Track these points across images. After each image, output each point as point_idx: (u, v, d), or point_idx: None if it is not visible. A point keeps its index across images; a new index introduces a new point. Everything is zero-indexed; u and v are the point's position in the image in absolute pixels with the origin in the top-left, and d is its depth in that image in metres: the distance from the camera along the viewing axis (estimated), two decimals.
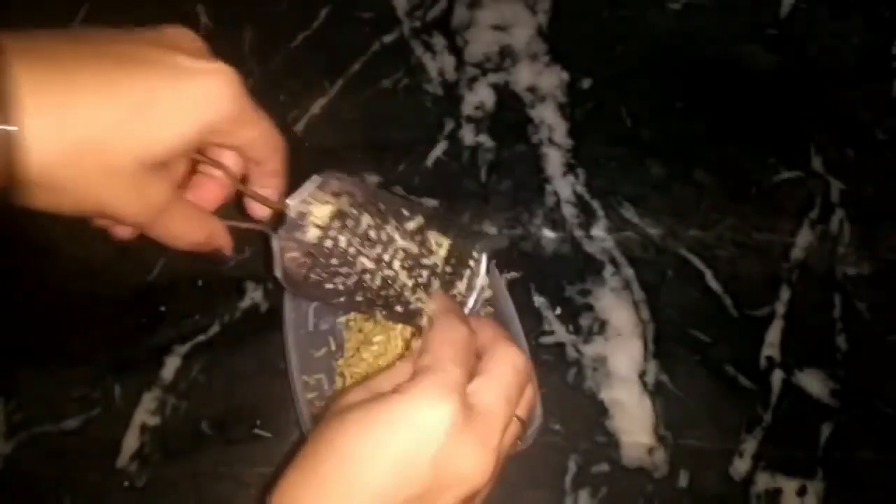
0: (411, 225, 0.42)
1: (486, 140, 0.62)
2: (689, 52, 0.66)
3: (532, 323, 0.54)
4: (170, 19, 0.68)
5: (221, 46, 0.68)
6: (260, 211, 0.36)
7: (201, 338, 0.53)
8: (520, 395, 0.32)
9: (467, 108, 0.63)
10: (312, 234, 0.38)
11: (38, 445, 0.50)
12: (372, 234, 0.40)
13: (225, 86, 0.29)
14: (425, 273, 0.43)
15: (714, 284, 0.56)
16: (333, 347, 0.52)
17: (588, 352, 0.54)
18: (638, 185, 0.60)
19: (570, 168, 0.60)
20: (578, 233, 0.58)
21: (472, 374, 0.31)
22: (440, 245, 0.43)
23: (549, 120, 0.62)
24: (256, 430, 0.51)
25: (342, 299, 0.41)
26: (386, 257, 0.41)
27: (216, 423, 0.51)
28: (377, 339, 0.51)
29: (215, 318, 0.54)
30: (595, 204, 0.59)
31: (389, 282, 0.41)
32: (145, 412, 0.51)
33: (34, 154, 0.24)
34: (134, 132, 0.26)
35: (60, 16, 0.65)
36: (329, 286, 0.40)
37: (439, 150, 0.61)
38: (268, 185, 0.34)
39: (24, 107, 0.24)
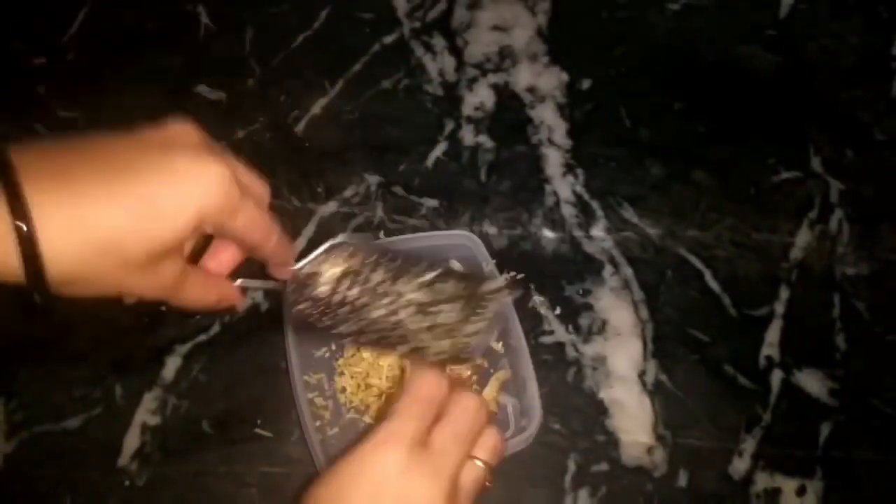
0: (424, 278, 0.43)
1: (485, 140, 0.62)
2: (688, 52, 0.66)
3: (532, 323, 0.54)
4: (170, 20, 0.68)
5: (222, 46, 0.68)
6: (277, 273, 0.39)
7: (202, 338, 0.53)
8: (472, 433, 0.35)
9: (467, 109, 0.63)
10: (322, 291, 0.40)
11: (39, 445, 0.50)
12: (381, 289, 0.42)
13: (217, 184, 0.31)
14: (430, 321, 0.43)
15: (713, 284, 0.56)
16: (334, 347, 0.52)
17: (587, 351, 0.54)
18: (637, 186, 0.60)
19: (569, 168, 0.61)
20: (578, 233, 0.58)
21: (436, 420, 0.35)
22: (451, 300, 0.44)
23: (549, 120, 0.63)
24: (257, 430, 0.51)
25: (348, 339, 0.43)
26: (394, 307, 0.42)
27: (217, 423, 0.51)
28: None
29: (216, 318, 0.54)
30: (594, 204, 0.59)
31: (395, 327, 0.43)
32: (146, 412, 0.51)
33: (54, 256, 0.28)
34: (141, 231, 0.30)
35: (61, 17, 0.65)
36: (337, 331, 0.42)
37: (439, 150, 0.61)
38: (273, 259, 0.38)
39: (40, 216, 0.27)
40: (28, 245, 0.28)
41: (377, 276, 0.42)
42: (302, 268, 0.40)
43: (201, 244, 0.37)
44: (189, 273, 0.34)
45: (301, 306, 0.40)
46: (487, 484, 0.37)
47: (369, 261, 0.42)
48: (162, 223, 0.30)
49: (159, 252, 0.31)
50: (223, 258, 0.37)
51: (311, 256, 0.40)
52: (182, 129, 0.34)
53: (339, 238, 0.41)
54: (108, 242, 0.29)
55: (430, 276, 0.43)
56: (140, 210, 0.29)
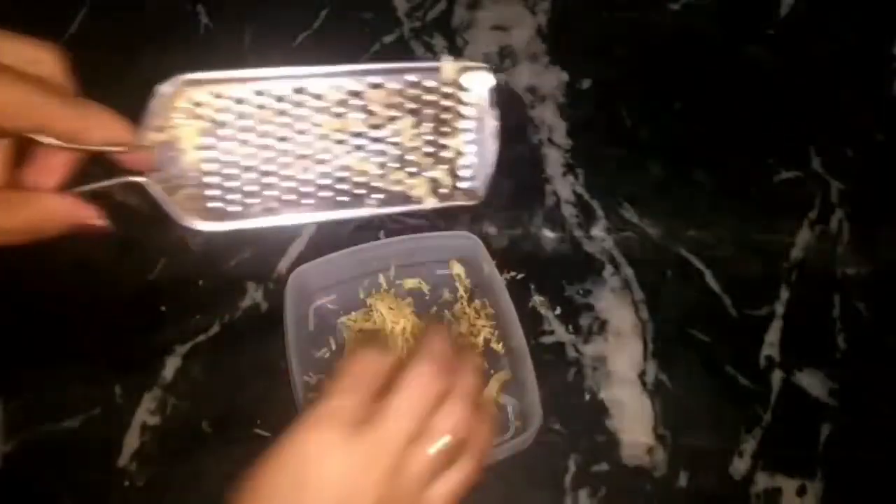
0: (333, 93, 0.34)
1: None
2: (688, 52, 0.66)
3: (532, 323, 0.54)
4: (170, 19, 0.68)
5: (222, 46, 0.68)
6: (127, 159, 0.31)
7: (202, 338, 0.53)
8: (424, 405, 0.29)
9: None
10: (191, 157, 0.32)
11: (39, 445, 0.50)
12: (277, 121, 0.33)
13: None
14: (382, 148, 0.35)
15: (713, 284, 0.56)
16: (334, 347, 0.52)
17: (588, 351, 0.54)
18: (637, 186, 0.60)
19: (569, 168, 0.61)
20: (578, 233, 0.58)
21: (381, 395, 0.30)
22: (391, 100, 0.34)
23: (549, 120, 0.62)
24: (257, 430, 0.51)
25: (275, 217, 0.34)
26: (310, 142, 0.33)
27: (216, 423, 0.51)
28: (377, 338, 0.51)
29: (216, 317, 0.54)
30: (595, 204, 0.59)
31: (334, 171, 0.34)
32: (146, 412, 0.51)
33: None
34: None
35: (61, 17, 0.65)
36: (249, 204, 0.33)
37: None
38: (87, 140, 0.30)
39: None
40: None
41: (259, 111, 0.33)
42: (150, 138, 0.31)
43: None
44: None
45: (188, 190, 0.31)
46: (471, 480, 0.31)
47: (237, 96, 0.33)
48: None
49: None
50: (47, 166, 0.31)
51: (147, 117, 0.31)
52: None
53: (171, 83, 0.31)
54: None
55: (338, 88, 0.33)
56: None
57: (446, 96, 0.35)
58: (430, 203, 0.36)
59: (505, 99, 0.63)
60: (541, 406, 0.47)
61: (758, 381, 0.53)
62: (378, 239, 0.55)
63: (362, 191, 0.34)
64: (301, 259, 0.55)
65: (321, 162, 0.33)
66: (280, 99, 0.33)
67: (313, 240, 0.57)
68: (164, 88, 0.31)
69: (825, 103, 0.64)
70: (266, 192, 0.33)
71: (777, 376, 0.54)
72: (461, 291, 0.54)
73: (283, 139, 0.33)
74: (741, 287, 0.56)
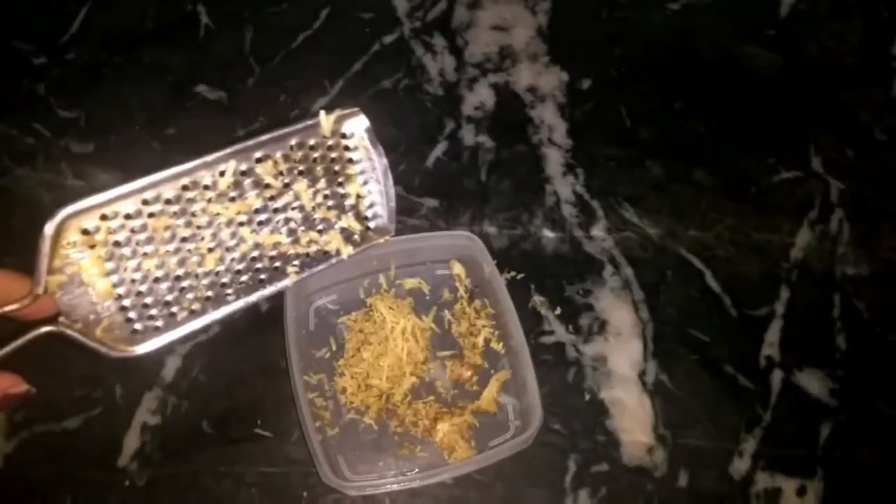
0: (223, 180, 0.33)
1: (486, 140, 0.62)
2: (688, 52, 0.66)
3: (532, 323, 0.54)
4: (171, 20, 0.68)
5: (222, 46, 0.68)
6: (31, 312, 0.30)
7: (202, 338, 0.53)
8: None
9: (467, 109, 0.63)
10: (100, 287, 0.31)
11: (40, 444, 0.50)
12: (175, 224, 0.32)
13: None
14: (286, 216, 0.34)
15: (713, 284, 0.56)
16: (334, 347, 0.52)
17: (588, 351, 0.54)
18: (637, 185, 0.60)
19: (569, 168, 0.61)
20: (578, 233, 0.58)
21: None
22: (279, 171, 0.34)
23: (549, 120, 0.62)
24: (257, 430, 0.51)
25: (208, 315, 0.34)
26: (216, 234, 0.33)
27: (217, 423, 0.51)
28: (377, 338, 0.51)
29: None
30: (595, 204, 0.59)
31: (248, 254, 0.34)
32: (146, 411, 0.51)
33: None
34: None
35: (61, 17, 0.65)
36: (170, 315, 0.33)
37: (439, 150, 0.61)
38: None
39: None
40: None
41: (155, 221, 0.31)
42: (43, 283, 0.30)
43: None
44: None
45: (112, 320, 0.31)
46: None
47: (129, 212, 0.31)
48: None
49: None
50: None
51: (37, 266, 0.30)
52: None
53: (57, 219, 0.30)
54: None
55: (229, 170, 0.32)
56: None
57: (331, 148, 0.36)
58: (347, 251, 0.36)
59: (505, 99, 0.63)
60: (541, 406, 0.47)
61: (758, 381, 0.53)
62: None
63: (279, 262, 0.35)
64: None
65: (232, 248, 0.34)
66: (169, 201, 0.31)
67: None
68: (48, 229, 0.29)
69: (825, 103, 0.64)
70: (187, 296, 0.33)
71: (777, 376, 0.54)
72: (461, 291, 0.54)
73: (186, 239, 0.32)
74: (741, 287, 0.56)
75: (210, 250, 0.33)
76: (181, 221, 0.32)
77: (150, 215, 0.31)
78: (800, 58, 0.66)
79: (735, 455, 0.51)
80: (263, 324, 0.53)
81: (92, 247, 0.30)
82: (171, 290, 0.33)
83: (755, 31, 0.67)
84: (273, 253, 0.35)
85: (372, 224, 0.38)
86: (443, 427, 0.49)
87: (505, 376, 0.52)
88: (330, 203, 0.36)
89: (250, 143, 0.32)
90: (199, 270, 0.33)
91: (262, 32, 0.65)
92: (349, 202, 0.36)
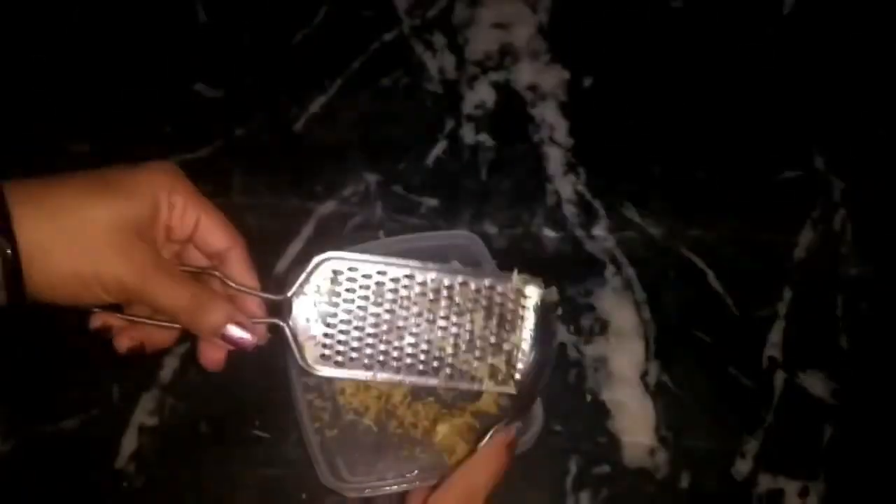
0: (430, 283, 0.42)
1: (486, 139, 0.61)
2: (690, 50, 0.66)
3: None
4: (169, 19, 0.68)
5: (221, 46, 0.68)
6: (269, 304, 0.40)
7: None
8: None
9: (468, 107, 0.63)
10: (319, 310, 0.40)
11: (37, 445, 0.50)
12: (388, 297, 0.41)
13: (170, 169, 0.36)
14: (459, 332, 0.43)
15: (716, 284, 0.56)
16: None
17: (589, 352, 0.54)
18: (639, 185, 0.60)
19: (571, 167, 0.60)
20: (579, 232, 0.58)
21: None
22: (472, 301, 0.43)
23: (550, 119, 0.62)
24: (255, 431, 0.50)
25: (372, 372, 0.42)
26: (408, 318, 0.42)
27: (215, 424, 0.51)
28: None
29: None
30: (596, 203, 0.59)
31: (421, 344, 0.42)
32: (144, 413, 0.51)
33: (31, 257, 0.31)
34: (105, 205, 0.32)
35: (59, 17, 0.65)
36: (354, 358, 0.41)
37: (439, 148, 0.61)
38: (245, 279, 0.38)
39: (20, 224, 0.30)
40: (8, 260, 0.30)
41: (377, 288, 0.41)
42: (293, 291, 0.39)
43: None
44: (163, 264, 0.35)
45: (310, 336, 0.40)
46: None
47: (363, 272, 0.41)
48: (123, 199, 0.33)
49: (124, 227, 0.33)
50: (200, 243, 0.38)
51: (300, 279, 0.39)
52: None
53: (323, 256, 0.40)
54: (76, 222, 0.32)
55: (435, 280, 0.42)
56: (99, 189, 0.32)
57: (513, 301, 0.44)
58: (487, 385, 0.43)
59: (506, 97, 0.63)
60: (542, 407, 0.47)
61: (760, 382, 0.53)
62: (378, 238, 0.55)
63: (436, 363, 0.42)
64: (300, 259, 0.54)
65: (412, 334, 0.42)
66: (395, 280, 0.41)
67: (312, 239, 0.57)
68: (319, 258, 0.40)
69: (828, 102, 0.64)
70: (367, 351, 0.41)
71: (779, 377, 0.53)
72: None
73: (389, 311, 0.41)
74: (743, 287, 0.56)
75: (398, 327, 0.42)
76: (391, 297, 0.41)
77: (378, 283, 0.41)
78: (801, 56, 0.66)
79: (737, 456, 0.51)
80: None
81: (332, 284, 0.40)
82: (360, 339, 0.41)
83: (757, 30, 0.67)
84: (436, 353, 0.42)
85: (517, 375, 0.44)
86: (442, 428, 0.49)
87: None
88: (492, 340, 0.43)
89: (465, 269, 0.43)
90: (385, 337, 0.41)
91: (261, 31, 0.65)
92: (507, 347, 0.43)
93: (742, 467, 0.51)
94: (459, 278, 0.42)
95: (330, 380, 0.46)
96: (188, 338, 0.53)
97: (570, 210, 0.59)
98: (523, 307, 0.44)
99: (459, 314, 0.42)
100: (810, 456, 0.51)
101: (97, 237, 0.32)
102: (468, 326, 0.43)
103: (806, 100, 0.64)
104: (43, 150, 0.59)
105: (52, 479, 0.49)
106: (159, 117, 0.60)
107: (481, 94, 0.63)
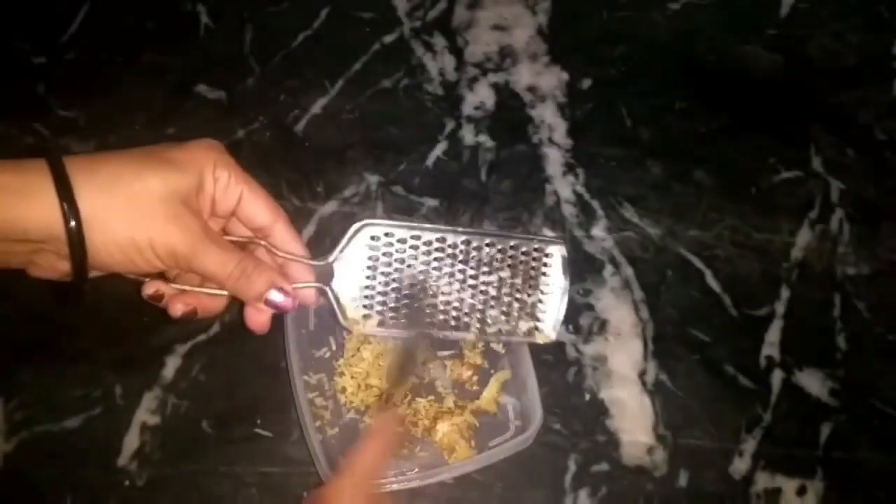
0: (460, 245, 0.45)
1: (486, 140, 0.62)
2: (688, 52, 0.66)
3: None
4: (170, 20, 0.68)
5: (222, 46, 0.68)
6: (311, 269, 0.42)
7: (202, 337, 0.53)
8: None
9: (467, 108, 0.63)
10: (361, 276, 0.43)
11: (39, 444, 0.50)
12: (421, 259, 0.44)
13: (215, 145, 0.37)
14: (487, 290, 0.46)
15: (714, 284, 0.56)
16: (334, 347, 0.52)
17: (588, 351, 0.54)
18: (638, 185, 0.60)
19: (569, 168, 0.61)
20: (578, 232, 0.58)
21: None
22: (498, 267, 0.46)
23: (549, 120, 0.62)
24: (257, 430, 0.51)
25: (415, 330, 0.45)
26: (440, 278, 0.45)
27: (217, 423, 0.51)
28: (377, 338, 0.51)
29: (216, 317, 0.54)
30: (595, 204, 0.59)
31: (453, 302, 0.45)
32: (146, 411, 0.51)
33: (91, 220, 0.32)
34: (152, 178, 0.34)
35: (61, 16, 0.65)
36: (393, 317, 0.44)
37: (439, 149, 0.61)
38: (290, 247, 0.40)
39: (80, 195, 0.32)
40: (75, 229, 0.32)
41: (412, 252, 0.44)
42: (335, 257, 0.42)
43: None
44: (211, 233, 0.37)
45: (350, 297, 0.42)
46: None
47: (399, 238, 0.44)
48: (174, 171, 0.35)
49: (175, 197, 0.34)
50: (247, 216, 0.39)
51: (339, 245, 0.42)
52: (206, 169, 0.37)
53: (362, 223, 0.43)
54: (131, 191, 0.33)
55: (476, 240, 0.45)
56: (152, 162, 0.34)
57: (535, 259, 0.47)
58: (515, 338, 0.47)
59: (505, 98, 0.63)
60: (541, 406, 0.47)
61: (758, 381, 0.53)
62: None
63: (467, 318, 0.46)
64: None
65: (444, 293, 0.45)
66: (427, 244, 0.44)
67: (313, 239, 0.57)
68: (357, 224, 0.43)
69: (825, 103, 0.64)
70: (403, 310, 0.44)
71: (777, 376, 0.54)
72: None
73: (423, 272, 0.44)
74: (741, 287, 0.56)
75: (431, 288, 0.45)
76: (426, 259, 0.44)
77: (413, 247, 0.44)
78: (800, 58, 0.66)
79: (735, 455, 0.51)
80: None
81: (371, 249, 0.43)
82: (397, 300, 0.44)
83: (755, 31, 0.67)
84: (466, 310, 0.46)
85: (539, 325, 0.47)
86: (443, 427, 0.49)
87: (505, 376, 0.52)
88: (517, 296, 0.47)
89: (492, 231, 0.48)
90: (420, 296, 0.44)
91: (262, 32, 0.65)
92: (531, 301, 0.47)
93: (740, 466, 0.51)
94: (487, 240, 0.45)
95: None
96: (188, 338, 0.53)
97: (568, 210, 0.59)
98: (545, 264, 0.47)
99: (488, 273, 0.46)
100: (808, 455, 0.51)
101: (151, 206, 0.34)
102: (496, 284, 0.46)
103: (803, 100, 0.64)
104: (43, 150, 0.59)
105: (54, 478, 0.49)
106: (161, 118, 0.61)
107: (481, 96, 0.63)
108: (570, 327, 0.55)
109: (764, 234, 0.58)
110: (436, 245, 0.44)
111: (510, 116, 0.63)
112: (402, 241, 0.44)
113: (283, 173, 0.59)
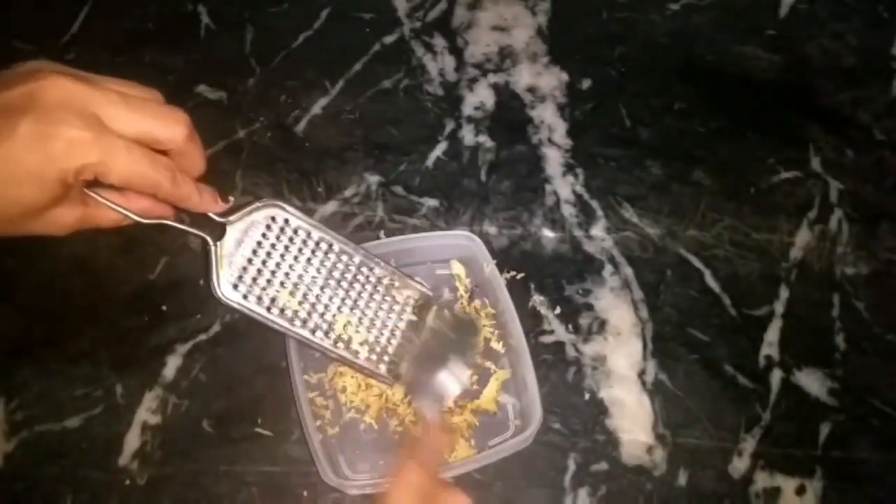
0: (355, 258, 0.47)
1: (485, 140, 0.62)
2: (688, 52, 0.66)
3: (532, 322, 0.54)
4: (171, 20, 0.68)
5: (223, 47, 0.69)
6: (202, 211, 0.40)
7: (203, 337, 0.53)
8: None
9: (467, 109, 0.63)
10: (246, 247, 0.42)
11: (40, 444, 0.50)
12: (306, 256, 0.45)
13: (78, 145, 0.32)
14: (355, 307, 0.47)
15: (713, 284, 0.56)
16: None
17: (587, 351, 0.54)
18: (637, 185, 0.60)
19: (569, 168, 0.61)
20: (578, 232, 0.58)
21: None
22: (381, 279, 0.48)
23: (549, 120, 0.63)
24: (257, 429, 0.51)
25: (278, 322, 0.44)
26: (316, 279, 0.45)
27: (217, 422, 0.51)
28: None
29: (216, 317, 0.54)
30: (594, 204, 0.59)
31: (318, 306, 0.45)
32: (147, 411, 0.51)
33: None
34: (7, 195, 0.32)
35: (61, 17, 0.65)
36: (261, 301, 0.43)
37: (439, 150, 0.61)
38: (183, 203, 0.38)
39: None
40: None
41: (301, 242, 0.44)
42: (232, 221, 0.41)
43: None
44: (91, 203, 0.35)
45: (231, 268, 0.42)
46: None
47: (296, 226, 0.44)
48: (25, 187, 0.31)
49: (35, 210, 0.32)
50: (140, 204, 0.37)
51: (240, 212, 0.42)
52: (45, 85, 0.34)
53: (266, 201, 0.43)
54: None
55: (358, 256, 0.46)
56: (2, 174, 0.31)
57: (405, 299, 0.49)
58: (362, 359, 0.47)
59: (505, 99, 0.64)
60: (541, 405, 0.47)
61: (757, 381, 0.53)
62: (378, 239, 0.55)
63: (326, 326, 0.45)
64: None
65: (316, 295, 0.45)
66: (318, 244, 0.45)
67: None
68: (261, 202, 0.43)
69: (825, 103, 0.64)
70: (271, 294, 0.43)
71: (776, 376, 0.54)
72: (461, 291, 0.54)
73: (303, 268, 0.45)
74: (740, 287, 0.56)
75: (306, 285, 0.45)
76: (310, 258, 0.45)
77: (304, 241, 0.45)
78: (799, 58, 0.66)
79: (734, 454, 0.51)
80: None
81: (266, 228, 0.43)
82: (269, 282, 0.43)
83: (755, 32, 0.67)
84: (330, 319, 0.46)
85: (386, 359, 0.48)
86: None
87: (505, 376, 0.52)
88: (380, 324, 0.48)
89: (380, 262, 0.48)
90: (291, 289, 0.44)
91: (262, 32, 0.65)
92: (386, 335, 0.48)
93: (739, 465, 0.51)
94: (371, 264, 0.47)
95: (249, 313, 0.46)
96: (189, 338, 0.53)
97: (568, 210, 0.59)
98: (412, 307, 0.49)
99: (359, 293, 0.47)
100: (807, 454, 0.52)
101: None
102: (363, 306, 0.47)
103: (803, 101, 0.64)
104: None
105: (55, 477, 0.49)
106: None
107: (481, 96, 0.64)
108: (570, 327, 0.55)
109: (763, 234, 0.58)
110: (324, 248, 0.45)
111: (510, 117, 0.63)
112: (296, 231, 0.44)
113: (283, 173, 0.59)
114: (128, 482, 0.49)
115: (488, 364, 0.52)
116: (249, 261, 0.43)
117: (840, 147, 0.62)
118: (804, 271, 0.57)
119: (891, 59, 0.67)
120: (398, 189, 0.59)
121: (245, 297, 0.42)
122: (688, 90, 0.64)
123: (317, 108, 0.63)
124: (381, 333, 0.47)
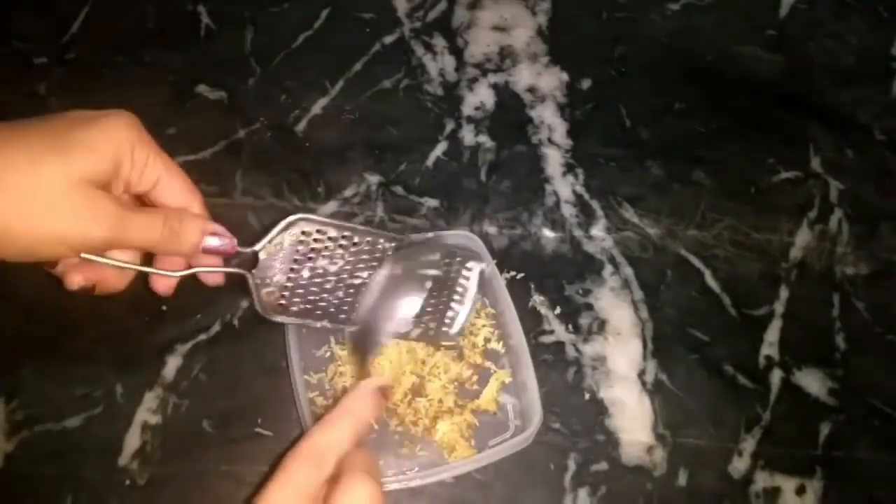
0: (378, 242, 0.47)
1: (485, 140, 0.62)
2: (688, 52, 0.66)
3: (532, 322, 0.54)
4: (171, 20, 0.68)
5: (223, 46, 0.69)
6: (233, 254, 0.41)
7: (203, 337, 0.53)
8: None
9: (467, 109, 0.63)
10: (282, 270, 0.43)
11: (40, 444, 0.50)
12: (341, 262, 0.46)
13: (133, 121, 0.35)
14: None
15: (713, 284, 0.56)
16: (334, 346, 0.52)
17: (587, 351, 0.54)
18: (637, 185, 0.60)
19: (569, 168, 0.61)
20: (578, 232, 0.58)
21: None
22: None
23: (549, 120, 0.63)
24: (258, 429, 0.51)
25: (325, 322, 0.46)
26: (359, 276, 0.46)
27: (217, 422, 0.51)
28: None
29: (217, 317, 0.54)
30: (594, 204, 0.59)
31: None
32: (147, 411, 0.51)
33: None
34: (55, 164, 0.31)
35: (61, 17, 0.65)
36: (308, 308, 0.45)
37: (439, 150, 0.61)
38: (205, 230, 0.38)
39: None
40: None
41: (338, 251, 0.45)
42: (262, 246, 0.42)
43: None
44: (126, 206, 0.34)
45: (268, 290, 0.43)
46: None
47: (328, 235, 0.44)
48: (82, 154, 0.32)
49: (83, 183, 0.31)
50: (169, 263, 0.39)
51: (268, 235, 0.42)
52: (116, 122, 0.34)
53: (293, 218, 0.43)
54: (30, 182, 0.30)
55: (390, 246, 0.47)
56: (57, 145, 0.31)
57: (455, 271, 0.51)
58: (425, 338, 0.51)
59: (505, 99, 0.64)
60: (540, 405, 0.47)
61: (757, 381, 0.53)
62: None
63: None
64: None
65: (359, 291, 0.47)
66: (356, 244, 0.46)
67: None
68: (291, 218, 0.42)
69: (825, 103, 0.64)
70: (321, 303, 0.46)
71: (776, 376, 0.54)
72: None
73: (345, 270, 0.46)
74: (741, 286, 0.56)
75: (351, 285, 0.46)
76: (350, 258, 0.46)
77: (341, 246, 0.45)
78: (799, 58, 0.66)
79: (734, 454, 0.51)
80: (264, 323, 0.53)
81: (299, 243, 0.43)
82: (316, 293, 0.45)
83: (755, 32, 0.67)
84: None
85: (444, 329, 0.51)
86: (443, 426, 0.49)
87: (505, 376, 0.52)
88: (431, 301, 0.50)
89: (421, 239, 0.51)
90: (337, 293, 0.46)
91: (262, 32, 0.66)
92: (439, 312, 0.50)
93: (739, 465, 0.51)
94: (385, 243, 0.47)
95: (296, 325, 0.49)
96: (189, 338, 0.53)
97: (568, 210, 0.59)
98: (465, 278, 0.50)
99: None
100: (807, 454, 0.52)
101: (50, 200, 0.31)
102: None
103: (803, 101, 0.64)
104: None
105: (55, 477, 0.49)
106: (162, 119, 0.61)
107: (481, 96, 0.64)
108: (570, 327, 0.55)
109: (763, 234, 0.58)
110: (364, 246, 0.46)
111: (510, 117, 0.63)
112: (334, 238, 0.45)
113: (283, 173, 0.59)
114: (128, 482, 0.49)
115: (488, 364, 0.52)
116: (291, 279, 0.44)
117: (840, 147, 0.62)
118: (804, 271, 0.57)
119: (891, 59, 0.67)
120: (398, 189, 0.59)
121: (290, 309, 0.44)
122: (688, 90, 0.64)
123: (317, 108, 0.63)
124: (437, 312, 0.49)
